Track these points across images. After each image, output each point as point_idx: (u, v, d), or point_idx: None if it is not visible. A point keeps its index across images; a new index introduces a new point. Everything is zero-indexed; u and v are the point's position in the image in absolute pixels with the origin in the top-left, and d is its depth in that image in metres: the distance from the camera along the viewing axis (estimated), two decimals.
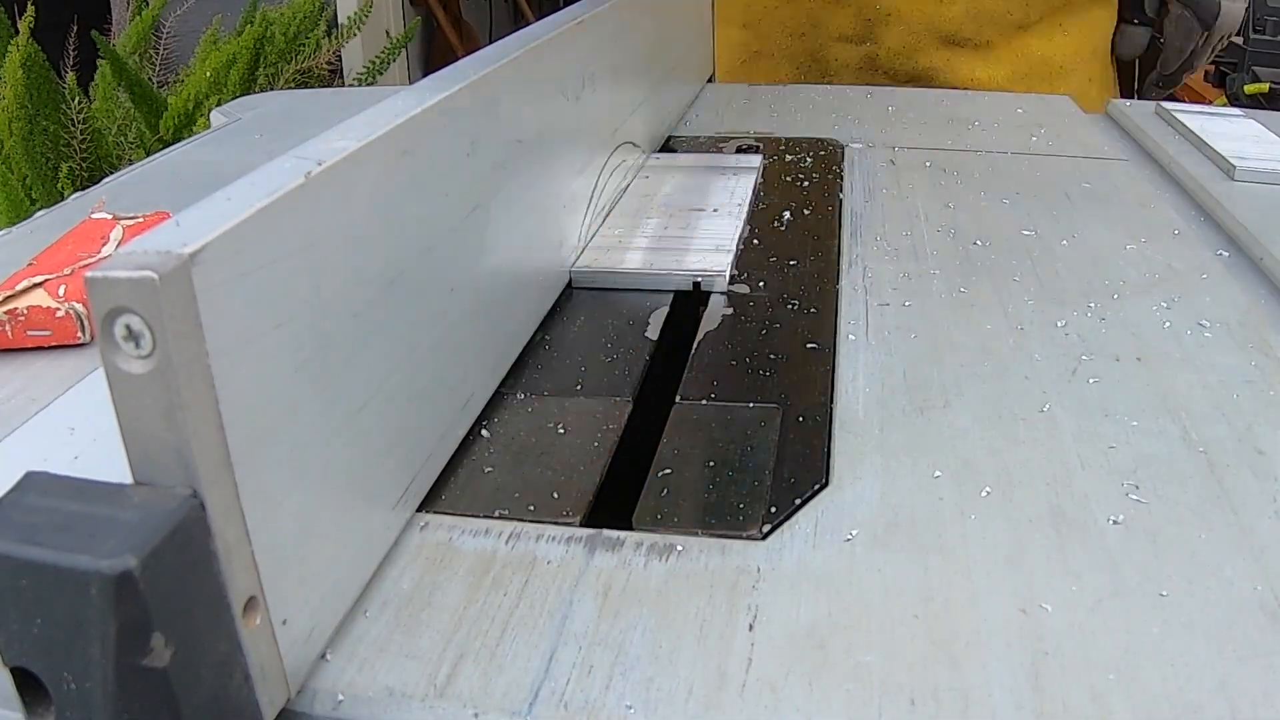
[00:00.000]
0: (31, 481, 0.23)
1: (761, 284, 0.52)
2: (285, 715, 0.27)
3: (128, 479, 0.23)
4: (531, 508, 0.35)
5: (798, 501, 0.34)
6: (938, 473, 0.36)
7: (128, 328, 0.21)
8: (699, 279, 0.51)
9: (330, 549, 0.29)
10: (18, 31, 1.58)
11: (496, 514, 0.34)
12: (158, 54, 2.00)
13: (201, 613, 0.23)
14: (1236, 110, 0.79)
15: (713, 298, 0.50)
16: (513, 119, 0.43)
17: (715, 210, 0.60)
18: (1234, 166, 0.64)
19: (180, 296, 0.22)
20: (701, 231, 0.56)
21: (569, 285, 0.52)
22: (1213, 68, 2.08)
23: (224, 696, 0.23)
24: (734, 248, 0.54)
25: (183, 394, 0.22)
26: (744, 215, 0.59)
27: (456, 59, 0.43)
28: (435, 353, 0.35)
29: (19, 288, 0.47)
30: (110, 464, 0.24)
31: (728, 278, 0.51)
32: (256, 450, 0.24)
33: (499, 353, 0.43)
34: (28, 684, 0.22)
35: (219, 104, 1.16)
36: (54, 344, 0.46)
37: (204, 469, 0.22)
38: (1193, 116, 0.76)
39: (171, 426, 0.22)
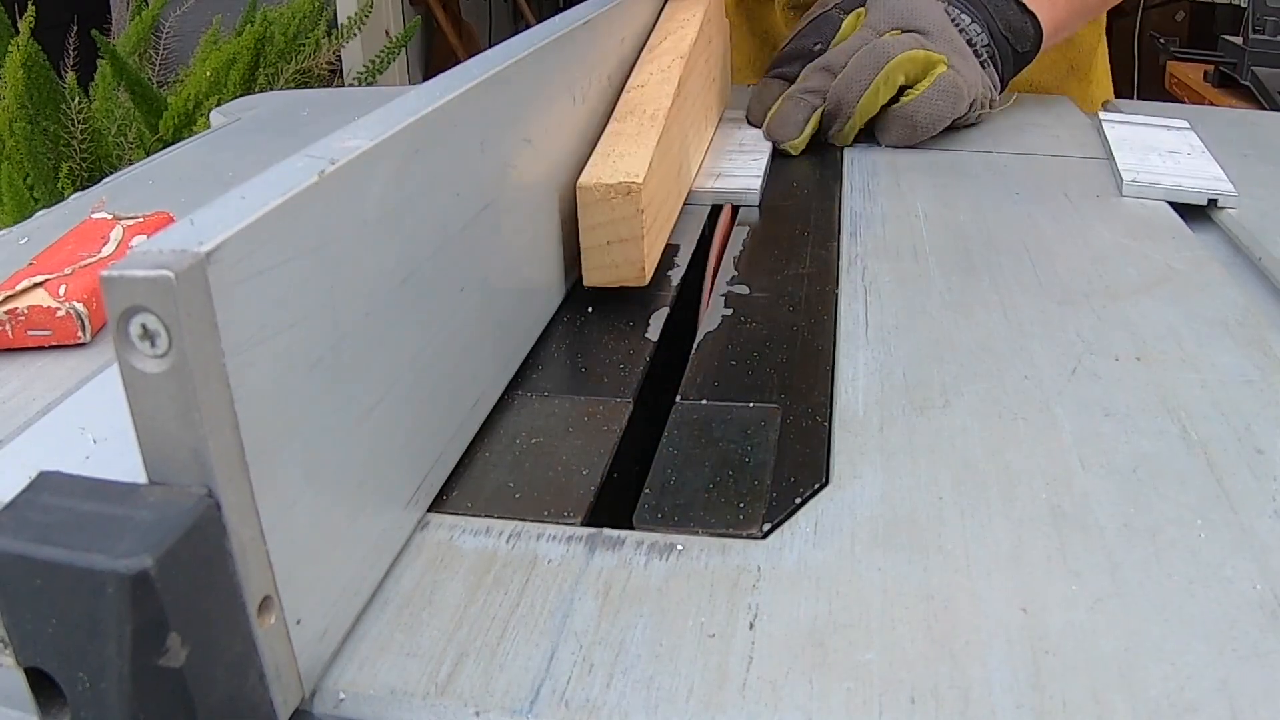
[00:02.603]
0: (45, 481, 0.23)
1: (761, 284, 0.52)
2: None
3: (142, 478, 0.23)
4: (532, 507, 0.35)
5: (798, 501, 0.35)
6: (938, 472, 0.36)
7: (143, 327, 0.21)
8: (730, 198, 0.63)
9: (343, 548, 0.29)
10: (18, 31, 1.58)
11: (497, 513, 0.35)
12: (158, 54, 2.01)
13: (217, 612, 0.23)
14: (1183, 120, 0.76)
15: (714, 298, 0.50)
16: (522, 119, 0.43)
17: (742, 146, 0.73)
18: (1124, 180, 0.63)
19: (196, 295, 0.22)
20: (734, 165, 0.68)
21: None
22: (1213, 67, 2.08)
23: (239, 696, 0.23)
24: (762, 174, 0.66)
25: (198, 393, 0.22)
26: (768, 153, 0.70)
27: (456, 59, 0.43)
28: (446, 352, 0.36)
29: (19, 287, 0.47)
30: (123, 463, 0.24)
31: (758, 194, 0.63)
32: (271, 449, 0.25)
33: (508, 352, 0.43)
34: (42, 685, 0.22)
35: (219, 104, 1.16)
36: (54, 344, 0.46)
37: (219, 468, 0.23)
38: (1120, 127, 0.74)
39: (187, 425, 0.22)
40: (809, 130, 0.72)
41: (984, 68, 0.76)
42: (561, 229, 0.50)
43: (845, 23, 0.74)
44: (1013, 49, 0.77)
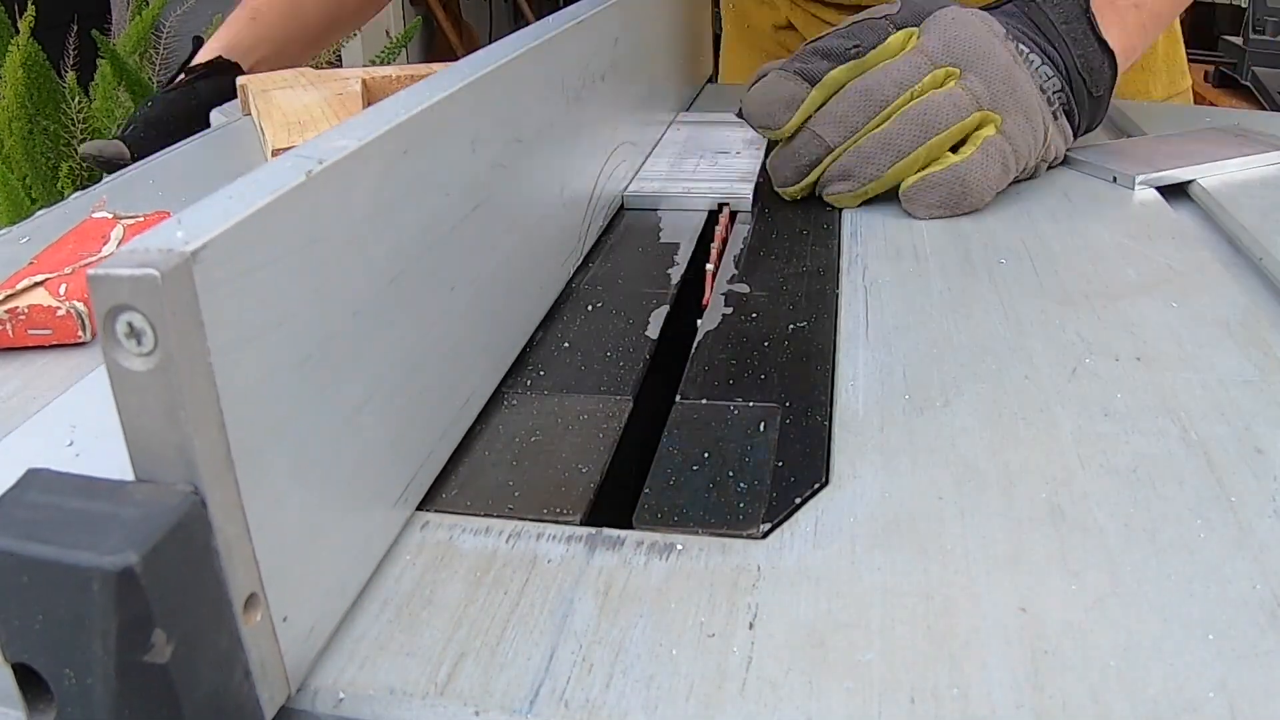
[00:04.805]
0: (33, 478, 0.23)
1: (762, 283, 0.52)
2: (286, 713, 0.27)
3: (129, 476, 0.23)
4: (532, 506, 0.35)
5: (798, 500, 0.34)
6: (938, 472, 0.36)
7: (129, 325, 0.21)
8: (727, 201, 0.62)
9: (331, 546, 0.29)
10: (18, 31, 1.58)
11: (497, 513, 0.34)
12: (158, 54, 2.01)
13: (202, 609, 0.23)
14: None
15: (714, 297, 0.50)
16: (513, 118, 0.43)
17: (738, 153, 0.72)
18: (1133, 177, 0.63)
19: (182, 294, 0.22)
20: (727, 168, 0.68)
21: (621, 207, 0.64)
22: (1213, 68, 2.08)
23: (224, 693, 0.23)
24: (754, 179, 0.65)
25: (184, 391, 0.22)
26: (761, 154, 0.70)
27: (456, 59, 0.43)
28: (435, 351, 0.35)
29: (20, 286, 0.47)
30: (112, 461, 0.24)
31: (750, 201, 0.62)
32: (257, 447, 0.24)
33: (499, 351, 0.43)
34: (29, 680, 0.22)
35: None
36: (55, 343, 0.46)
37: (205, 466, 0.23)
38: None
39: (173, 424, 0.22)
40: (813, 177, 0.62)
41: (1055, 119, 0.64)
42: (557, 226, 0.50)
43: (893, 39, 0.61)
44: (1089, 93, 0.65)
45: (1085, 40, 0.63)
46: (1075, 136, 0.67)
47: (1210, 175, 0.64)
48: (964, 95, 0.59)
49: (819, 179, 0.62)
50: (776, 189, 0.63)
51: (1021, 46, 0.62)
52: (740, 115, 0.65)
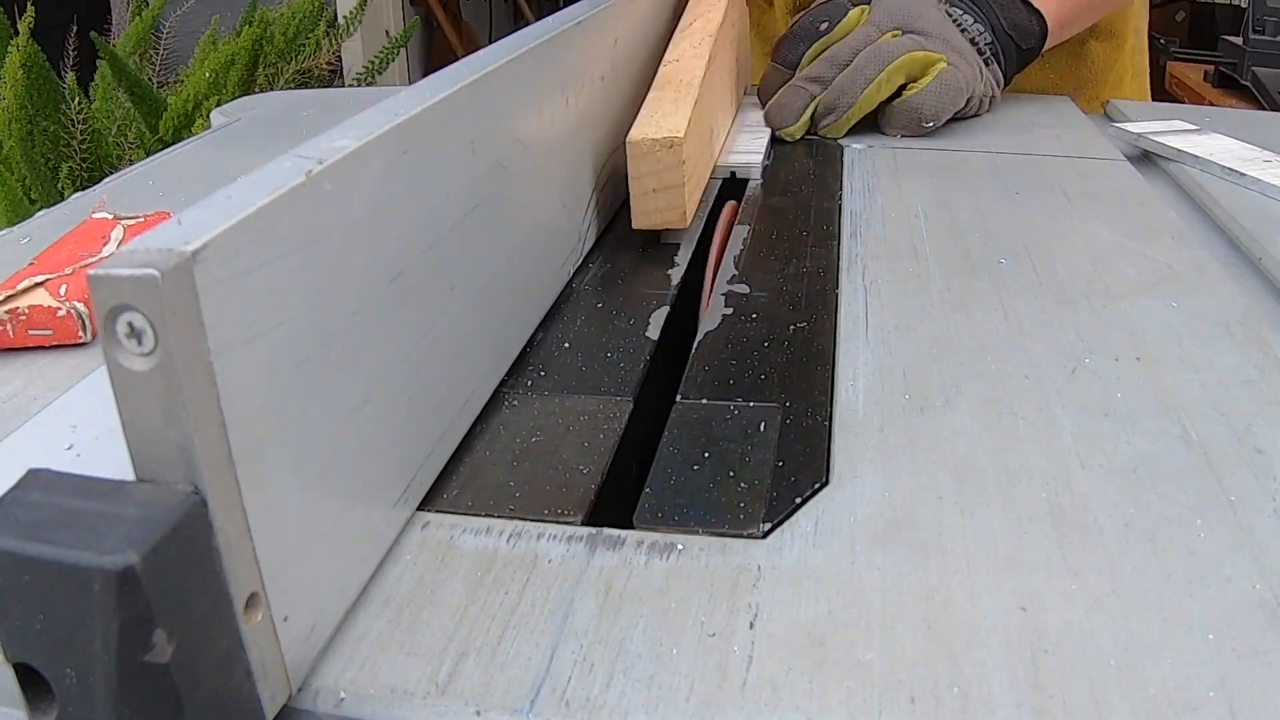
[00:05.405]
0: (34, 478, 0.23)
1: (762, 283, 0.52)
2: (287, 712, 0.27)
3: (130, 476, 0.23)
4: (532, 506, 0.35)
5: (798, 501, 0.34)
6: (938, 471, 0.36)
7: (130, 325, 0.21)
8: (735, 170, 0.70)
9: (331, 546, 0.29)
10: (18, 32, 1.58)
11: (498, 513, 0.34)
12: (157, 54, 2.01)
13: (203, 609, 0.23)
14: (1190, 124, 0.76)
15: (714, 297, 0.50)
16: (513, 119, 0.43)
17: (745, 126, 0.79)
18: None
19: (182, 294, 0.22)
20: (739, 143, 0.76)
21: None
22: (1213, 68, 2.08)
23: (225, 692, 0.23)
24: (764, 149, 0.73)
25: (184, 391, 0.22)
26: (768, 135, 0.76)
27: (456, 59, 0.43)
28: (435, 351, 0.35)
29: (20, 287, 0.47)
30: (112, 461, 0.24)
31: (760, 169, 0.70)
32: (258, 447, 0.24)
33: (499, 351, 0.43)
34: (30, 680, 0.22)
35: (218, 104, 1.16)
36: (55, 343, 0.46)
37: (206, 466, 0.23)
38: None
39: (173, 424, 0.22)
40: (805, 118, 0.76)
41: (987, 65, 0.80)
42: (557, 226, 0.50)
43: (850, 14, 0.78)
44: (1017, 46, 0.81)
45: (1012, 4, 0.81)
46: (1006, 81, 0.82)
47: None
48: (907, 40, 0.75)
49: (812, 117, 0.76)
50: (779, 132, 0.76)
51: (953, 9, 0.79)
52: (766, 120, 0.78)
